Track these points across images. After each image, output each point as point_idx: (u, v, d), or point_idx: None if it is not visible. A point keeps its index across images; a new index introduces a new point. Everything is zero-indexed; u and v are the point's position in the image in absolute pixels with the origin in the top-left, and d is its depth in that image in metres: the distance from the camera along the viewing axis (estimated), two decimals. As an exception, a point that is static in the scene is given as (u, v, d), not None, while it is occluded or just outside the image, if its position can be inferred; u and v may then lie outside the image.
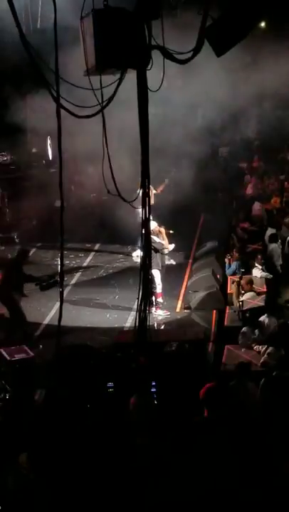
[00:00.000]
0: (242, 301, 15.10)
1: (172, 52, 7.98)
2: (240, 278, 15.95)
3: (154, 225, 16.06)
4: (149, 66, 8.01)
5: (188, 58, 7.85)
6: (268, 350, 12.57)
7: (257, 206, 20.10)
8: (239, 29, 8.02)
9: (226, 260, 17.52)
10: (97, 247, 21.25)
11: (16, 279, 14.58)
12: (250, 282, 15.61)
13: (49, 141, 23.31)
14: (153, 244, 14.82)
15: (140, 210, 8.63)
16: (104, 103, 7.83)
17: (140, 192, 8.35)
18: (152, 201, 19.50)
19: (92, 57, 7.95)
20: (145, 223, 8.94)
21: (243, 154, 25.96)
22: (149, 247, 10.15)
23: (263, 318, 13.54)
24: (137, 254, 18.77)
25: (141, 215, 8.57)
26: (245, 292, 15.35)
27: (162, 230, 16.94)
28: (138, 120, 8.18)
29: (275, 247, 17.35)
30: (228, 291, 16.20)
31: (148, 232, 9.26)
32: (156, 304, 15.88)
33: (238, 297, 15.25)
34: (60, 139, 7.10)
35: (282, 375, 10.94)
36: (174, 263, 19.16)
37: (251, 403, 10.31)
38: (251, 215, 20.11)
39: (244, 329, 13.67)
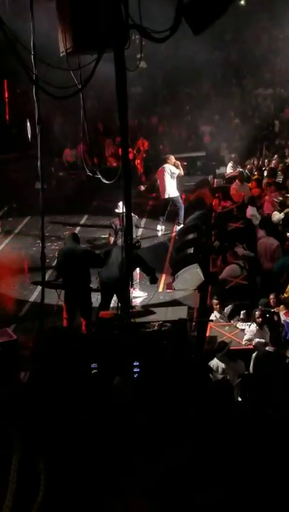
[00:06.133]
0: (224, 280, 15.12)
1: (150, 31, 7.96)
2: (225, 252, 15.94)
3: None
4: (127, 45, 7.99)
5: (165, 37, 7.83)
6: (251, 328, 12.65)
7: (237, 185, 20.08)
8: (216, 7, 8.00)
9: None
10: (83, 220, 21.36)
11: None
12: (235, 255, 15.52)
13: (28, 124, 23.18)
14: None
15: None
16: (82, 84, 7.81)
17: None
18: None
19: (69, 38, 7.92)
20: (127, 203, 8.94)
21: (223, 134, 25.91)
22: (131, 227, 10.17)
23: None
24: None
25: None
26: (229, 264, 15.29)
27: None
28: (116, 100, 8.17)
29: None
30: (211, 269, 16.21)
31: (129, 212, 9.27)
32: (135, 286, 15.87)
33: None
34: (40, 121, 7.08)
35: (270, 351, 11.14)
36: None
37: (233, 382, 10.40)
38: (231, 193, 20.08)
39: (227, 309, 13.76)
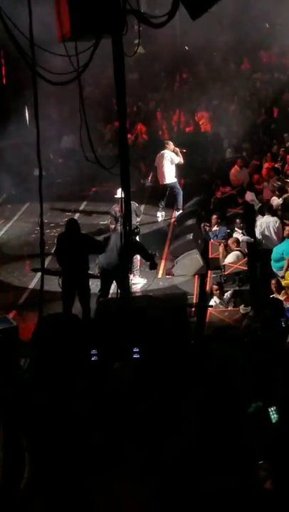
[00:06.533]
0: (224, 265, 15.13)
1: (147, 16, 7.92)
2: (226, 239, 15.96)
3: None
4: (124, 31, 7.96)
5: (163, 22, 7.78)
6: (250, 313, 12.66)
7: (236, 170, 20.05)
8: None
9: (206, 228, 17.46)
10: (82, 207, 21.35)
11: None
12: (237, 241, 15.55)
13: (27, 110, 23.13)
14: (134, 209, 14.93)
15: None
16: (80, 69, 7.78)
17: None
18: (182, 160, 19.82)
19: (66, 23, 7.88)
20: (126, 188, 8.92)
21: (222, 119, 25.82)
22: (130, 214, 10.15)
23: None
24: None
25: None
26: (231, 251, 15.29)
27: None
28: (115, 85, 8.15)
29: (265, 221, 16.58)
30: (210, 256, 16.21)
31: (128, 197, 9.26)
32: (135, 272, 15.87)
33: (224, 259, 15.29)
34: (37, 107, 7.04)
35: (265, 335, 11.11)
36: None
37: (232, 368, 10.39)
38: (230, 179, 20.06)
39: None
